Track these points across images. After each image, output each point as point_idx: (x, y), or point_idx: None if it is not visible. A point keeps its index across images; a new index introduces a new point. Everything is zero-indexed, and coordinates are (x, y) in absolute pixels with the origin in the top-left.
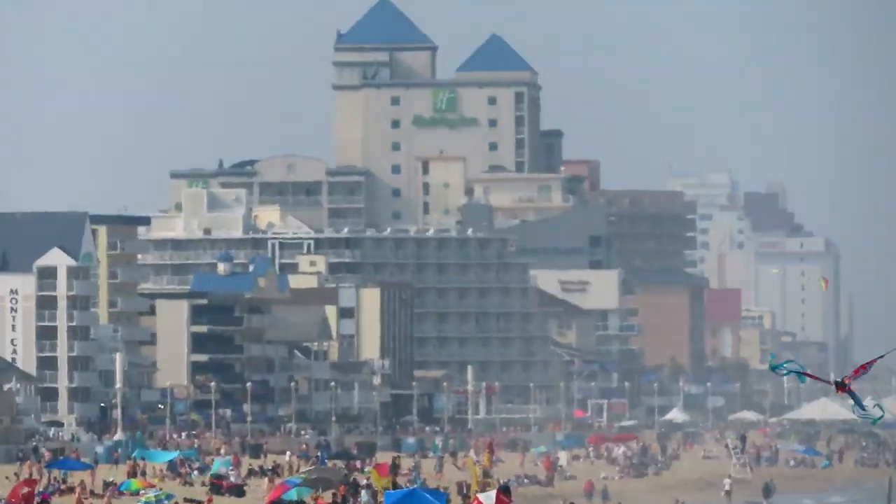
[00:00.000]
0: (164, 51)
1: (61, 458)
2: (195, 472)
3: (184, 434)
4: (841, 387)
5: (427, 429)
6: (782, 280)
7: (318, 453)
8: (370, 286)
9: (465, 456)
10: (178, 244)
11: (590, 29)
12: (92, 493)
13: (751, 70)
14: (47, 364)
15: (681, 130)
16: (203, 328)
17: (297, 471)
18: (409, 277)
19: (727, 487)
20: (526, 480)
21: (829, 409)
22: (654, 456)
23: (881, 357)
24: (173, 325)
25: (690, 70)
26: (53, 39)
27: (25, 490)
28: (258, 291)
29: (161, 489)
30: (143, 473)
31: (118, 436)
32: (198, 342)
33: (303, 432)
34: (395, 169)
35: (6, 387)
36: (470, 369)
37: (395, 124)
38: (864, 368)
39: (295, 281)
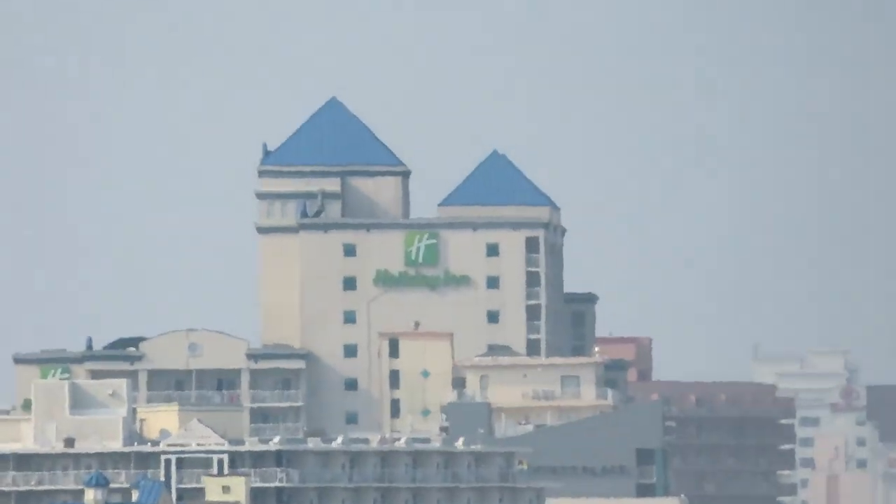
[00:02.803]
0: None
1: None
2: None
3: None
4: None
5: None
6: None
7: None
8: None
9: None
10: (25, 462)
11: (632, 147)
12: None
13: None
14: None
15: (771, 298)
16: None
17: None
18: None
19: None
20: None
21: None
22: None
23: None
24: None
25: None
26: None
27: None
28: None
29: None
30: None
31: None
32: None
33: None
34: (350, 350)
35: None
36: None
37: (350, 284)
38: None
39: None
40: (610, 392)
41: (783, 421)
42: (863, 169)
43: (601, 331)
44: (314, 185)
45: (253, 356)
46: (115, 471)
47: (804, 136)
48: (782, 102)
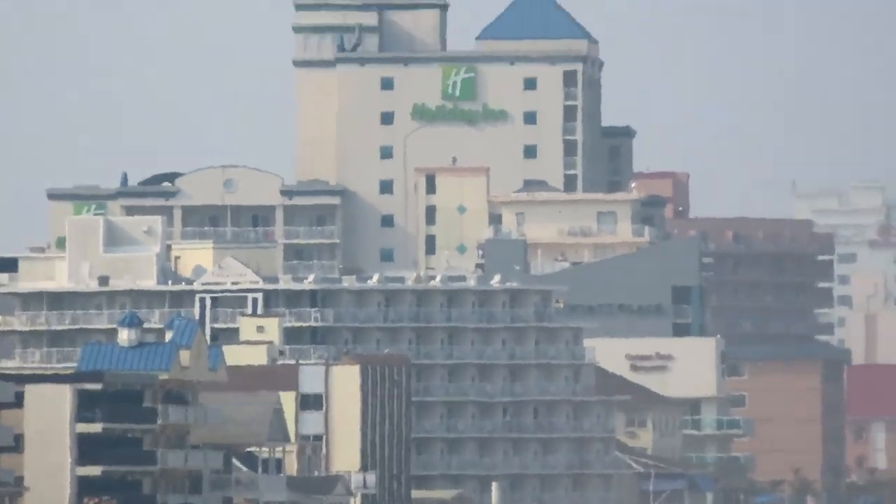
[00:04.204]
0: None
1: None
2: None
3: None
4: None
5: None
6: None
7: None
8: (347, 362)
9: None
10: (58, 300)
11: None
12: None
13: None
14: None
15: (807, 128)
16: (96, 427)
17: None
18: (406, 349)
19: None
20: None
21: None
22: None
23: None
24: (51, 423)
25: (815, 38)
26: None
27: None
28: (179, 371)
29: None
30: None
31: None
32: (88, 448)
33: None
34: (386, 186)
35: None
36: (495, 487)
37: (387, 119)
38: None
39: (234, 355)
40: (647, 228)
41: (821, 257)
42: None
43: (638, 166)
44: (351, 18)
45: (288, 192)
46: (149, 309)
47: None
48: None
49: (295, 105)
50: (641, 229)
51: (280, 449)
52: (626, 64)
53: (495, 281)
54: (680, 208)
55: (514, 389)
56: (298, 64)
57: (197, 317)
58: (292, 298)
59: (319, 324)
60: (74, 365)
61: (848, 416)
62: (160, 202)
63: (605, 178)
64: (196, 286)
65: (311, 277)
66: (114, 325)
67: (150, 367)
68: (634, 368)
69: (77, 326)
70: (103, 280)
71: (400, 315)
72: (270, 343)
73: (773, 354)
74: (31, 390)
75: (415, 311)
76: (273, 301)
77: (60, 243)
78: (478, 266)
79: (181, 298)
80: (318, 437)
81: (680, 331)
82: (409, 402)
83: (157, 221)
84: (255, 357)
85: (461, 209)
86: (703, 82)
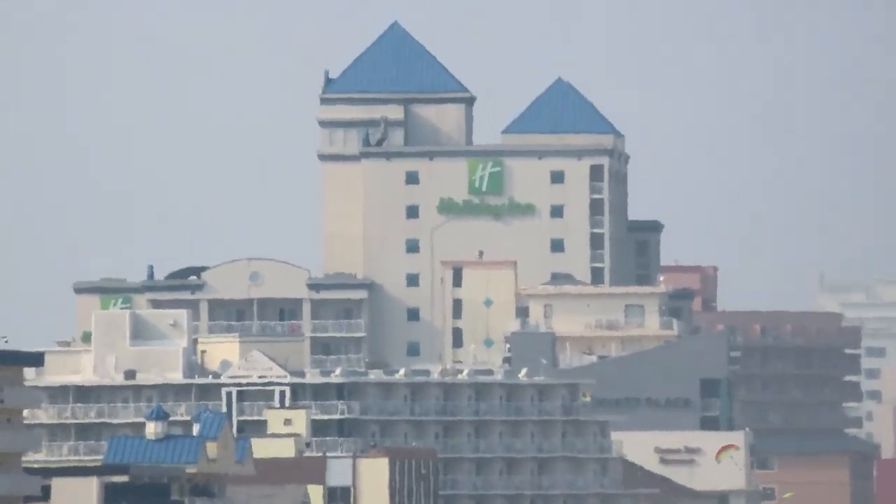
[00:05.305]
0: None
1: None
2: None
3: None
4: None
5: None
6: None
7: None
8: (374, 455)
9: None
10: (85, 394)
11: (700, 72)
12: None
13: None
14: None
15: (835, 222)
16: None
17: None
18: (433, 442)
19: None
20: None
21: None
22: None
23: None
24: None
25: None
26: None
27: None
28: (206, 464)
29: None
30: None
31: None
32: None
33: None
34: (412, 280)
35: None
36: None
37: (412, 212)
38: None
39: (262, 448)
40: (675, 322)
41: (849, 351)
42: None
43: (666, 259)
44: (377, 112)
45: (315, 286)
46: (176, 403)
47: (869, 65)
48: (858, 33)
49: (321, 199)
50: (669, 322)
51: None
52: (652, 158)
53: (522, 374)
54: (712, 304)
55: (542, 482)
56: (324, 158)
57: (224, 409)
58: (319, 391)
59: (346, 416)
60: (101, 457)
61: None
62: (186, 296)
63: (633, 272)
64: (222, 379)
65: (337, 371)
66: (140, 419)
67: (176, 459)
68: (664, 462)
69: (104, 420)
70: (129, 374)
71: (426, 409)
72: (298, 436)
73: (802, 448)
74: (58, 483)
75: (441, 405)
76: (300, 394)
77: (86, 337)
78: (505, 359)
79: (208, 392)
80: None
81: (708, 424)
82: (437, 496)
83: (182, 315)
84: (283, 450)
85: (488, 302)
86: (730, 177)
